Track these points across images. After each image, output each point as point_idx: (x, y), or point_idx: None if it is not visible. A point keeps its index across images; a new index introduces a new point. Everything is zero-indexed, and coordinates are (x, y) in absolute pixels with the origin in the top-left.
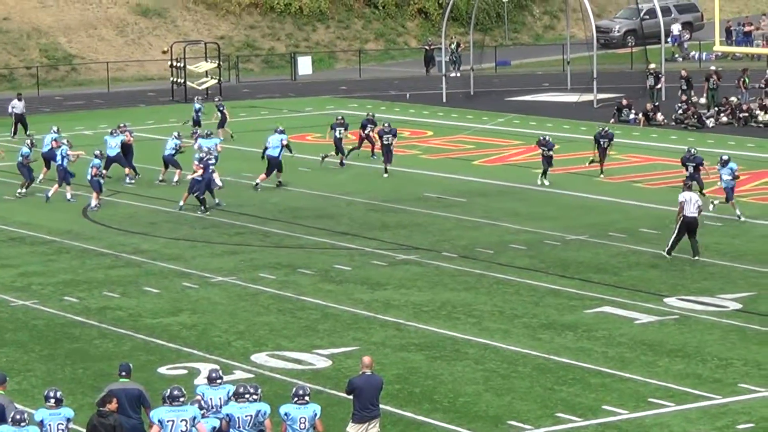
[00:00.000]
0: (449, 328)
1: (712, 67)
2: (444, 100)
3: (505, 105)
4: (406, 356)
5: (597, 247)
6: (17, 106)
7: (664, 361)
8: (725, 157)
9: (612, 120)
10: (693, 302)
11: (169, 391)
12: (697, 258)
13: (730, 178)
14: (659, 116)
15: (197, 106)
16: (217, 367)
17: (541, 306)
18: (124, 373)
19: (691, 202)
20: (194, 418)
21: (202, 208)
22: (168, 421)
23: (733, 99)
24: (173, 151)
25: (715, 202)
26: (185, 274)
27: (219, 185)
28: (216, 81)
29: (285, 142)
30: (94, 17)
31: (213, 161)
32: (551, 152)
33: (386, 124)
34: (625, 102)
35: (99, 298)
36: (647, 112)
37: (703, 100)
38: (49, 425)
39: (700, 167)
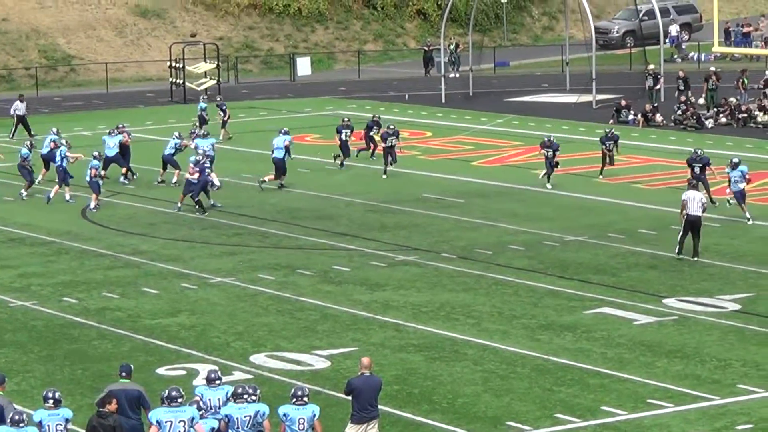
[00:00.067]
0: (448, 329)
1: (711, 68)
2: (443, 100)
3: (503, 106)
4: (405, 357)
5: (596, 248)
6: (19, 107)
7: (662, 362)
8: (736, 160)
9: (611, 121)
10: (692, 303)
11: (167, 391)
12: (696, 259)
13: (741, 181)
14: (658, 117)
15: (203, 104)
16: (216, 367)
17: (540, 307)
18: (124, 374)
19: (694, 200)
20: (192, 418)
21: (200, 209)
22: (166, 422)
23: (732, 100)
24: (173, 151)
25: (732, 201)
26: (184, 274)
27: (217, 185)
28: (215, 82)
29: (287, 143)
30: (93, 18)
31: (208, 164)
32: (555, 153)
33: (391, 126)
34: (624, 103)
35: (98, 298)
36: (646, 113)
37: (701, 101)
38: (48, 426)
39: (707, 168)
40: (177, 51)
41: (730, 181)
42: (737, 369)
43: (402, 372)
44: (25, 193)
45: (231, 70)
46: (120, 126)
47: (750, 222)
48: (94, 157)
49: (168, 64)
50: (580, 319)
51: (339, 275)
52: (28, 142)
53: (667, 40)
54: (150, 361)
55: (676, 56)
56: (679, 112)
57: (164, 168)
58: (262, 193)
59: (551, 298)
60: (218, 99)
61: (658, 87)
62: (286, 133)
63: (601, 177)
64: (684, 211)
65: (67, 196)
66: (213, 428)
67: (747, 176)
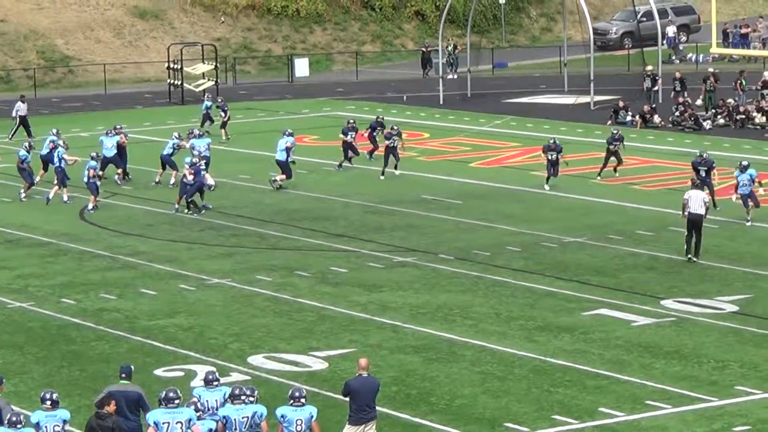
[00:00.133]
0: (446, 330)
1: (710, 69)
2: (441, 102)
3: (502, 107)
4: (402, 358)
5: (594, 249)
6: (21, 108)
7: (660, 364)
8: (744, 163)
9: (609, 122)
10: (690, 304)
11: (164, 393)
12: (696, 259)
13: (749, 184)
14: (656, 118)
15: (207, 103)
16: (214, 369)
17: (537, 308)
18: (124, 375)
19: (696, 199)
20: (190, 420)
21: (194, 209)
22: (164, 423)
23: (730, 101)
24: (171, 151)
25: (749, 218)
26: (182, 276)
27: (212, 184)
28: (213, 83)
29: (288, 145)
30: (91, 19)
31: (204, 166)
32: (559, 155)
33: (394, 127)
34: (622, 104)
35: (96, 299)
36: (644, 114)
37: (699, 102)
38: (46, 427)
39: (712, 170)
40: (175, 52)
41: (738, 184)
42: (735, 370)
43: (400, 373)
44: (23, 195)
45: (229, 72)
46: (117, 127)
47: (749, 224)
48: (92, 158)
49: (166, 65)
50: (578, 321)
51: (337, 276)
52: (26, 144)
53: (664, 42)
54: (148, 362)
55: (674, 57)
56: (677, 113)
57: (163, 168)
58: (259, 194)
59: (549, 300)
60: (219, 100)
61: (656, 88)
62: (290, 134)
63: (599, 178)
64: (685, 211)
65: (65, 197)
66: (210, 429)
67: (756, 179)
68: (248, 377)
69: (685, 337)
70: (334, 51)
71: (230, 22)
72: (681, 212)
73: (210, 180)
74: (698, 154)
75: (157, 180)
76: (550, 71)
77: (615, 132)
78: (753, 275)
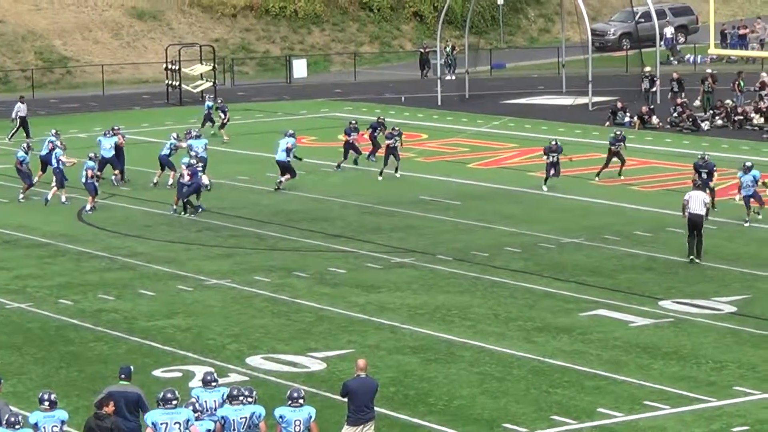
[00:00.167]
0: (444, 331)
1: (708, 70)
2: (439, 103)
3: (500, 108)
4: (400, 359)
5: (592, 250)
6: (21, 108)
7: (659, 364)
8: (748, 164)
9: (607, 123)
10: (688, 305)
11: (162, 393)
12: (698, 260)
13: (752, 185)
14: (654, 119)
15: (209, 103)
16: (212, 369)
17: (536, 309)
18: (123, 376)
19: (697, 200)
20: (188, 420)
21: (191, 210)
22: (161, 424)
23: (728, 102)
24: (169, 151)
25: (759, 215)
26: (180, 276)
27: (207, 185)
28: (211, 84)
29: (289, 146)
30: (89, 20)
31: (201, 168)
32: (559, 155)
33: (395, 128)
34: (620, 105)
35: (94, 300)
36: (642, 115)
37: (697, 103)
38: (44, 428)
39: (712, 174)
40: (173, 53)
41: (741, 185)
42: (733, 371)
43: (398, 374)
44: (22, 196)
45: (227, 72)
46: (115, 128)
47: (747, 224)
48: (90, 159)
49: (164, 66)
50: (576, 321)
51: (335, 277)
52: (24, 144)
53: (662, 42)
54: (146, 363)
55: (672, 58)
56: (676, 114)
57: (162, 169)
58: (257, 195)
59: (547, 300)
60: (219, 101)
61: (654, 89)
62: (291, 135)
63: (597, 179)
64: (685, 211)
65: (63, 199)
66: (209, 430)
67: (760, 180)
68: (246, 378)
69: (683, 337)
70: (332, 52)
71: (228, 22)
72: (681, 213)
73: (206, 180)
74: (700, 156)
75: (155, 181)
76: (549, 72)
77: (618, 132)
78: (751, 276)
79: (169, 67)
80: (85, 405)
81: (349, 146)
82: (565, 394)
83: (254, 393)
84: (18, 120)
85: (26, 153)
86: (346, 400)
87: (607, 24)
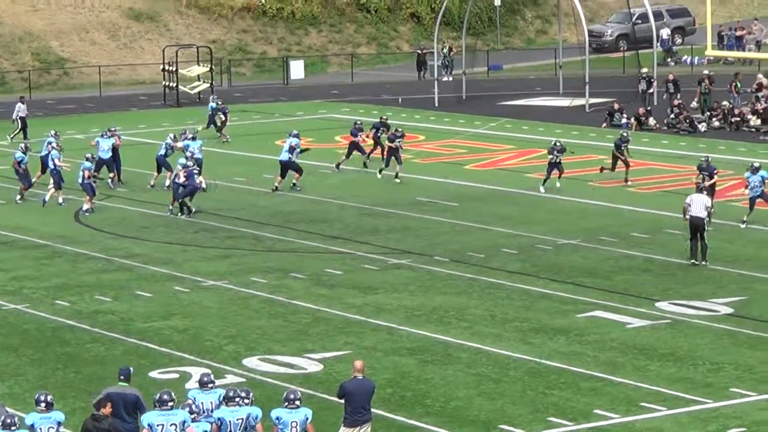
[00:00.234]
0: (441, 333)
1: (705, 72)
2: (436, 104)
3: (497, 109)
4: (397, 360)
5: (589, 252)
6: (21, 109)
7: (655, 365)
8: (756, 164)
9: (604, 125)
10: (685, 306)
11: (158, 395)
12: (705, 263)
13: (760, 185)
14: (651, 121)
15: (213, 104)
16: (209, 371)
17: (532, 310)
18: (123, 378)
19: (698, 203)
20: (184, 422)
21: (186, 211)
22: (158, 425)
23: (725, 103)
24: (165, 152)
25: (746, 219)
26: (177, 278)
27: (203, 188)
28: (208, 85)
29: (293, 145)
30: (86, 21)
31: (197, 169)
32: (562, 157)
33: (397, 129)
34: (617, 106)
35: (91, 302)
36: (639, 117)
37: (694, 105)
38: (40, 429)
39: (712, 177)
40: (170, 54)
41: (748, 185)
42: (730, 372)
43: (395, 375)
44: (19, 197)
45: (224, 74)
46: (112, 129)
47: (744, 225)
48: (87, 159)
49: (161, 67)
50: (572, 323)
51: (332, 278)
52: (22, 145)
53: (659, 44)
54: (143, 364)
55: (669, 60)
56: (672, 115)
57: (158, 170)
58: (255, 196)
59: (544, 302)
60: (220, 102)
61: (651, 90)
62: (296, 135)
63: (595, 181)
64: (686, 214)
65: (60, 200)
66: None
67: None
68: (243, 379)
69: (680, 339)
70: (330, 53)
71: (225, 24)
72: (682, 215)
73: (203, 183)
74: (704, 158)
75: (152, 183)
76: (546, 73)
77: (624, 134)
78: (748, 277)
79: (166, 68)
80: (81, 406)
81: (353, 147)
82: (562, 396)
83: (251, 394)
84: (19, 121)
85: (24, 154)
86: (342, 401)
87: (604, 25)
